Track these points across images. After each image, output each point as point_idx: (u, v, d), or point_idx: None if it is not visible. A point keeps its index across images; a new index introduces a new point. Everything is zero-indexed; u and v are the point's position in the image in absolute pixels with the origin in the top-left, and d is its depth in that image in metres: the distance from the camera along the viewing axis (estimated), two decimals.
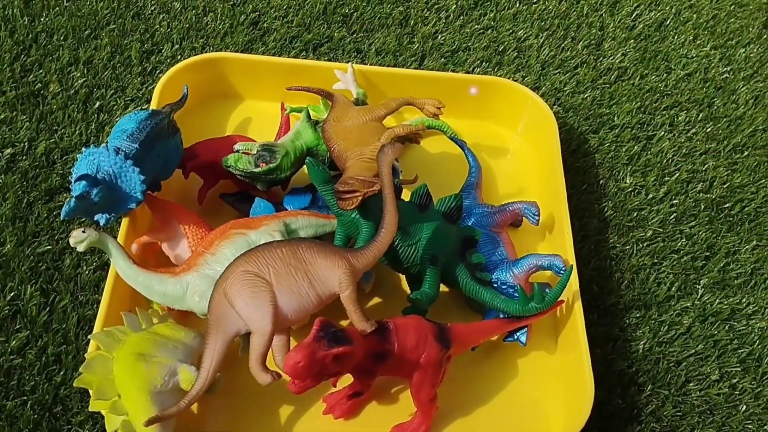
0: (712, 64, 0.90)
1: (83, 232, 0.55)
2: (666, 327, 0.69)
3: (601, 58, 0.89)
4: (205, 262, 0.57)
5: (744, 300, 0.72)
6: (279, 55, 0.82)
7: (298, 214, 0.63)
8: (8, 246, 0.65)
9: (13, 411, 0.57)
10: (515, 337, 0.63)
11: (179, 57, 0.80)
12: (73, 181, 0.56)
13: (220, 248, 0.57)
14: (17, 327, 0.61)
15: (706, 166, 0.81)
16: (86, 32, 0.81)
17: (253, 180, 0.65)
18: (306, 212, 0.63)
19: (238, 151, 0.65)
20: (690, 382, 0.66)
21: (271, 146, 0.65)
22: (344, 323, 0.62)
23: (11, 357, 0.60)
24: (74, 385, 0.52)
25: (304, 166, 0.67)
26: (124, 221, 0.62)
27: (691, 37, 0.92)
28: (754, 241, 0.76)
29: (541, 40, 0.89)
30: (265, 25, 0.85)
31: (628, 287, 0.71)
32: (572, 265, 0.62)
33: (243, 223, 0.60)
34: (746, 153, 0.83)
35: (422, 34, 0.87)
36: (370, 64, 0.82)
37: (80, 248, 0.56)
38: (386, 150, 0.54)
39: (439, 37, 0.88)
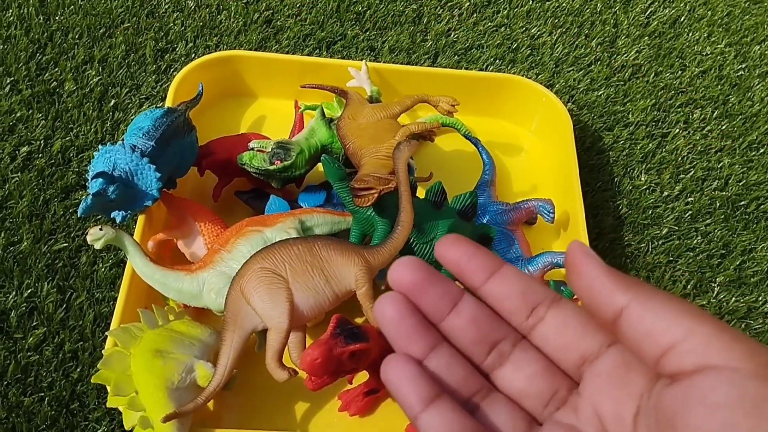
0: (727, 62, 0.90)
1: (100, 230, 0.55)
2: None
3: (615, 56, 0.88)
4: (222, 260, 0.57)
5: (761, 298, 0.71)
6: (292, 53, 0.82)
7: (314, 212, 0.63)
8: (25, 243, 0.65)
9: (30, 407, 0.58)
10: None
11: (193, 55, 0.80)
12: (89, 178, 0.57)
13: (236, 246, 0.58)
14: (34, 324, 0.62)
15: (721, 163, 0.81)
16: (101, 31, 0.81)
17: (268, 177, 0.65)
18: (321, 210, 0.63)
19: (252, 148, 0.65)
20: None
21: (286, 144, 0.65)
22: (359, 320, 0.62)
23: (29, 353, 0.60)
24: (92, 381, 0.52)
25: (319, 164, 0.67)
26: (140, 219, 0.62)
27: (705, 34, 0.92)
28: None
29: (555, 38, 0.89)
30: (278, 23, 0.85)
31: None
32: None
33: (258, 220, 0.60)
34: (762, 150, 0.82)
35: (435, 31, 0.87)
36: (384, 62, 0.82)
37: (97, 246, 0.56)
38: (402, 147, 0.54)
39: (453, 34, 0.88)
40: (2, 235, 0.66)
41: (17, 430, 0.57)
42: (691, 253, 0.74)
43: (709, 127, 0.83)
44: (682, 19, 0.93)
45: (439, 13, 0.89)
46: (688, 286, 0.71)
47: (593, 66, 0.87)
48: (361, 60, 0.77)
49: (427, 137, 0.68)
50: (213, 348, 0.57)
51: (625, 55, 0.88)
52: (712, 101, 0.86)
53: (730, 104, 0.86)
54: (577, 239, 0.25)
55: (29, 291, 0.63)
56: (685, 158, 0.81)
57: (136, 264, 0.57)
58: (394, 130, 0.64)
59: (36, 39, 0.79)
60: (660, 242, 0.74)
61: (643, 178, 0.78)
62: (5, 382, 0.59)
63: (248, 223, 0.60)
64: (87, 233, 0.56)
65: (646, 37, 0.91)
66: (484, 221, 0.68)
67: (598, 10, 0.93)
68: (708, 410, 0.19)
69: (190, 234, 0.62)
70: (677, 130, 0.83)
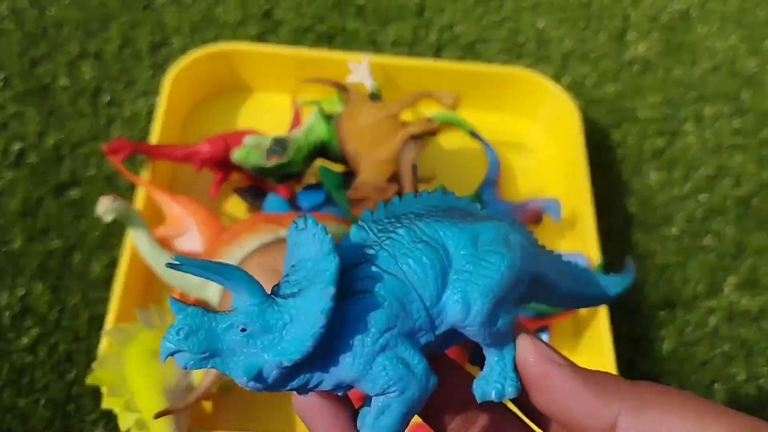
0: (739, 57, 0.87)
1: (113, 201, 0.51)
2: (692, 327, 0.67)
3: (625, 51, 0.86)
4: (231, 254, 0.54)
5: None
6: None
7: (329, 219, 0.60)
8: (18, 242, 0.64)
9: (25, 409, 0.56)
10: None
11: (190, 49, 0.79)
12: None
13: (248, 241, 0.55)
14: (28, 324, 0.60)
15: (733, 161, 0.79)
16: (96, 24, 0.79)
17: (264, 174, 0.63)
18: (334, 217, 0.61)
19: (248, 144, 0.63)
20: (716, 383, 0.64)
21: (283, 140, 0.63)
22: None
23: (23, 355, 0.59)
24: (87, 382, 0.50)
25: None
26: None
27: (717, 29, 0.90)
28: None
29: (562, 32, 0.87)
30: (277, 16, 0.83)
31: (653, 286, 0.69)
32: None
33: (273, 218, 0.58)
34: None
35: (439, 25, 0.85)
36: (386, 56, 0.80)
37: (108, 218, 0.52)
38: (409, 147, 0.53)
39: (457, 28, 0.86)
40: None
41: None
42: (703, 253, 0.72)
43: (721, 124, 0.81)
44: (692, 13, 0.91)
45: (443, 6, 0.87)
46: (699, 287, 0.69)
47: (602, 61, 0.85)
48: (362, 54, 0.75)
49: (430, 133, 0.67)
50: None
51: (635, 50, 0.86)
52: (724, 97, 0.84)
53: (743, 100, 0.84)
54: (521, 334, 0.22)
55: (23, 291, 0.62)
56: (697, 156, 0.79)
57: (142, 245, 0.54)
58: (393, 132, 0.62)
59: (30, 33, 0.77)
60: (671, 242, 0.72)
61: (653, 176, 0.76)
62: None
63: (262, 219, 0.58)
64: (98, 203, 0.51)
65: (656, 32, 0.89)
66: None
67: (607, 3, 0.90)
68: None
69: (187, 231, 0.61)
70: (688, 127, 0.81)
